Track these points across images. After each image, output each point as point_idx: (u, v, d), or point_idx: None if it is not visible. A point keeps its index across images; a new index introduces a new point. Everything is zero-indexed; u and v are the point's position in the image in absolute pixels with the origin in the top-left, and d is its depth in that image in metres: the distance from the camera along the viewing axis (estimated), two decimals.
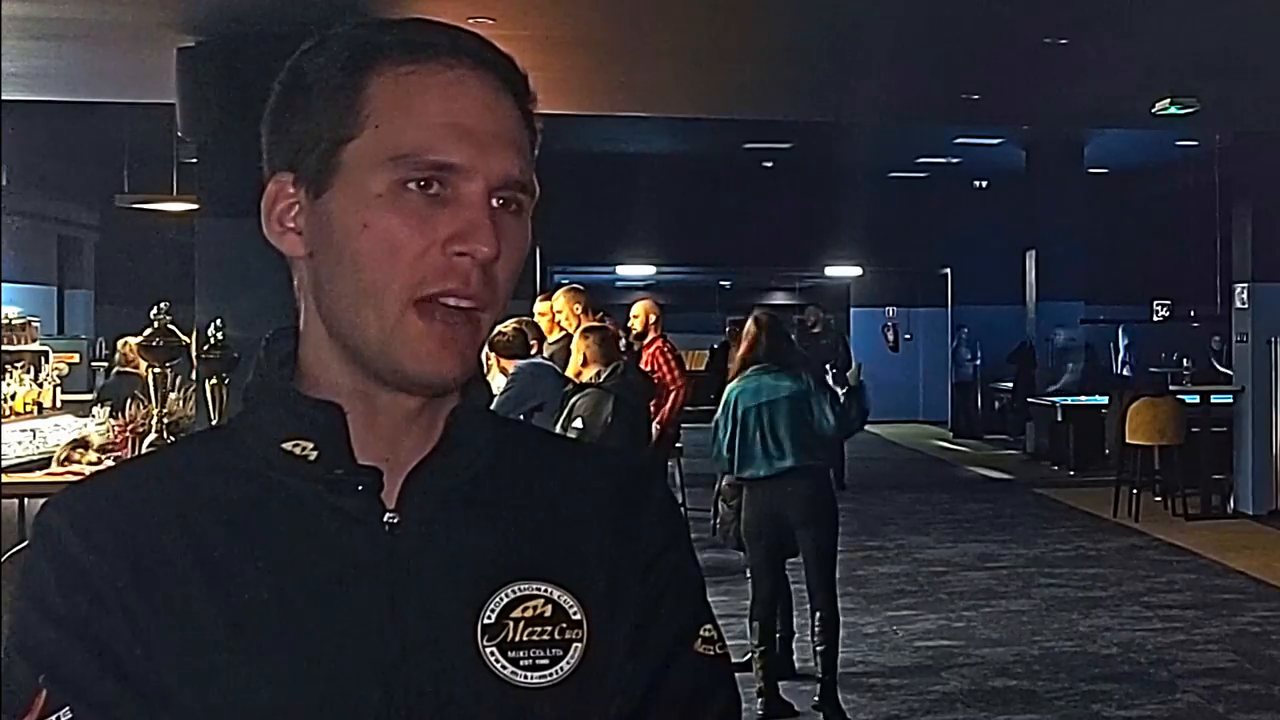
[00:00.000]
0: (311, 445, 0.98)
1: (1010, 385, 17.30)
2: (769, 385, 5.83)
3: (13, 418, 7.08)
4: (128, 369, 8.23)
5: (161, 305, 5.67)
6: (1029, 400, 15.84)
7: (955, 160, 16.69)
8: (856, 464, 13.54)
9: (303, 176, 0.98)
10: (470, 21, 6.66)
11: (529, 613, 0.98)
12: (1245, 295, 12.06)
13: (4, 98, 5.75)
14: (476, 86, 0.97)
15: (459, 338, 0.96)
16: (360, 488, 0.98)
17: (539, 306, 8.00)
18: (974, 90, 9.44)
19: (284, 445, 0.98)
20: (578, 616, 0.99)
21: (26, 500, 5.67)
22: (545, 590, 0.99)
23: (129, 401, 6.23)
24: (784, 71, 8.95)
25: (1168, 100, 9.13)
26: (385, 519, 0.98)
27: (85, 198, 14.70)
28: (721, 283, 27.27)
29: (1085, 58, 8.20)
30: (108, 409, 6.87)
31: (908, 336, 21.75)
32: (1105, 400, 12.70)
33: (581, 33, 7.63)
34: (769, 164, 16.84)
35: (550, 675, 0.97)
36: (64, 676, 0.92)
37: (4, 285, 10.94)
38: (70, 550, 0.95)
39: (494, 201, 0.97)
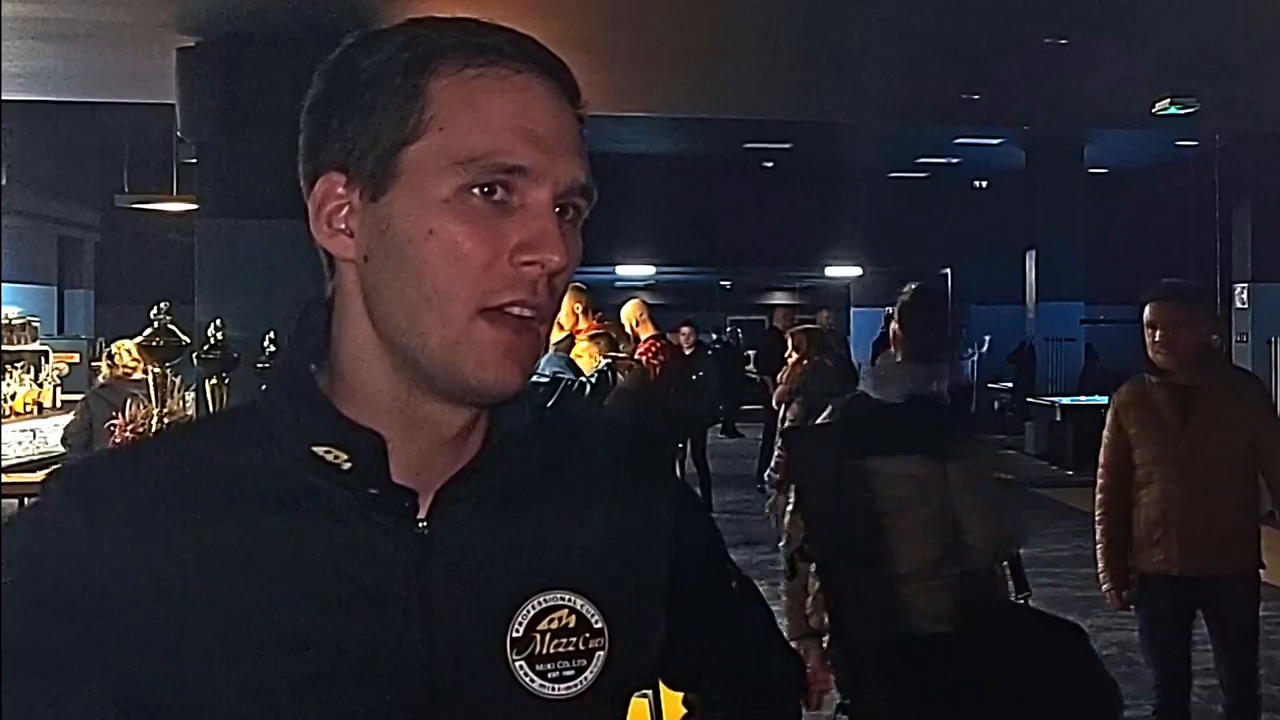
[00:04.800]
0: (345, 456, 0.95)
1: (1010, 385, 17.30)
2: None
3: (13, 418, 7.09)
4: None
5: (161, 305, 5.66)
6: (1028, 400, 15.84)
7: (955, 160, 16.70)
8: None
9: (357, 178, 0.94)
10: None
11: (554, 624, 0.98)
12: (1245, 295, 12.08)
13: (4, 98, 5.76)
14: (543, 92, 0.95)
15: (523, 347, 0.94)
16: (393, 506, 0.96)
17: None
18: (974, 90, 9.45)
19: (316, 449, 0.95)
20: (599, 625, 0.99)
21: (27, 500, 5.67)
22: (568, 600, 0.99)
23: (129, 401, 6.23)
24: (784, 71, 8.95)
25: (1168, 100, 9.15)
26: (416, 532, 0.96)
27: (85, 198, 14.71)
28: (721, 283, 27.28)
29: (1085, 58, 8.21)
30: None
31: None
32: (1105, 400, 12.69)
33: (581, 33, 7.63)
34: (769, 164, 16.84)
35: (575, 686, 0.97)
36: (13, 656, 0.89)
37: (4, 285, 10.95)
38: (65, 530, 0.92)
39: (555, 209, 0.94)
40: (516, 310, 0.93)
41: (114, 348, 7.29)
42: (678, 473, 9.39)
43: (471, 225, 0.92)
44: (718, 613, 1.18)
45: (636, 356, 8.30)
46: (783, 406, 6.68)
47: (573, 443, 1.09)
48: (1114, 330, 18.48)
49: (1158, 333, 4.17)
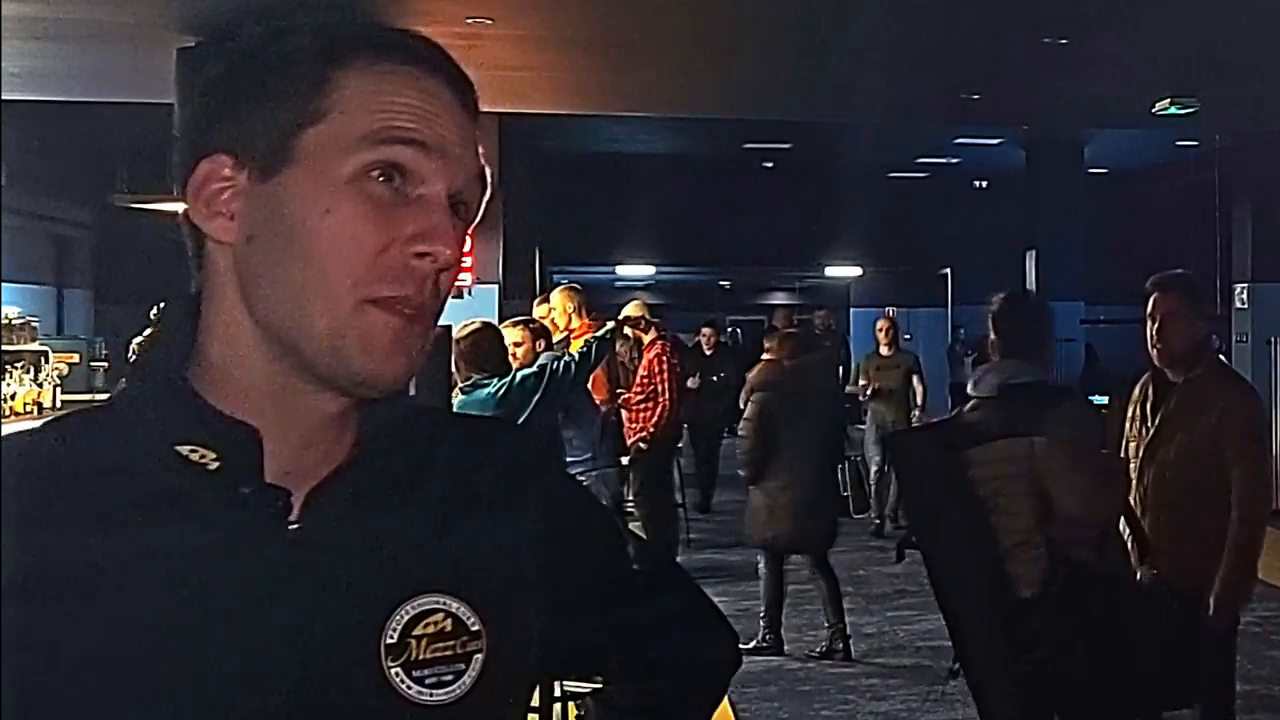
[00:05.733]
0: (214, 455, 0.92)
1: None
2: None
3: (13, 418, 7.08)
4: None
5: (161, 305, 5.66)
6: None
7: (955, 160, 16.69)
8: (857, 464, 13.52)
9: (247, 159, 0.93)
10: (469, 22, 6.65)
11: (430, 629, 0.95)
12: (1245, 295, 12.07)
13: (4, 98, 5.75)
14: (449, 99, 0.96)
15: (411, 337, 0.93)
16: (264, 506, 0.93)
17: (539, 309, 7.96)
18: (974, 90, 9.43)
19: (180, 449, 0.92)
20: (476, 628, 0.97)
21: None
22: (444, 603, 0.96)
23: None
24: (784, 71, 8.94)
25: (1168, 100, 9.14)
26: (288, 535, 0.93)
27: (84, 198, 14.68)
28: (721, 283, 27.27)
29: (1085, 58, 8.19)
30: None
31: (908, 337, 21.72)
32: (1105, 400, 12.66)
33: (581, 33, 7.62)
34: (769, 164, 16.83)
35: (454, 690, 0.95)
36: None
37: (3, 285, 10.93)
38: None
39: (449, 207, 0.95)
40: (400, 306, 0.91)
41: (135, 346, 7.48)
42: (676, 473, 9.41)
43: (368, 208, 0.91)
44: (614, 599, 1.17)
45: (648, 359, 8.28)
46: (746, 404, 6.76)
47: (448, 440, 1.07)
48: (1114, 330, 18.46)
49: (1154, 325, 4.09)
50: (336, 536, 0.94)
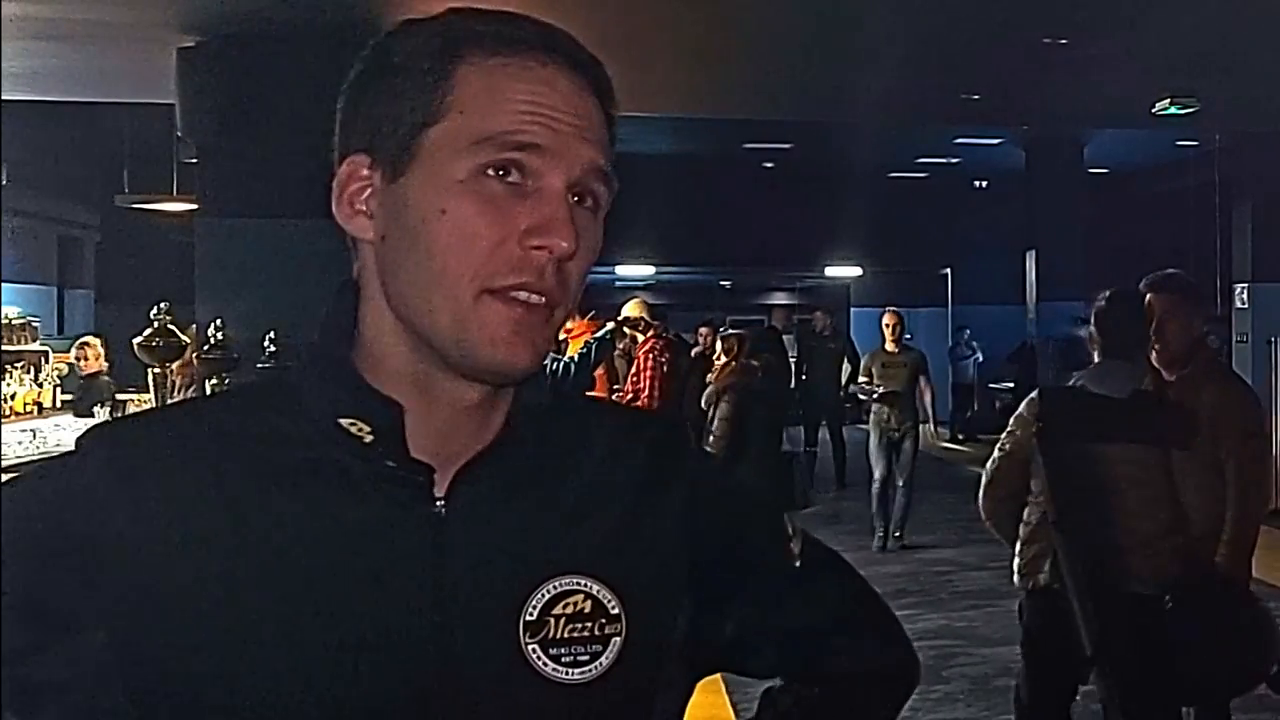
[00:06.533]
0: (369, 429, 0.96)
1: (1011, 385, 17.29)
2: None
3: (13, 418, 7.08)
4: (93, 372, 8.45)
5: (161, 305, 5.66)
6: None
7: (955, 160, 16.71)
8: (857, 464, 13.55)
9: (380, 159, 0.97)
10: None
11: (570, 609, 0.98)
12: (1245, 295, 12.08)
13: (4, 98, 5.76)
14: (566, 84, 0.97)
15: (533, 326, 0.95)
16: (409, 481, 0.97)
17: None
18: (974, 90, 9.44)
19: (341, 421, 0.96)
20: (615, 611, 0.99)
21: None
22: (585, 585, 0.99)
23: (128, 403, 6.23)
24: (784, 71, 8.95)
25: (1168, 100, 9.15)
26: (433, 511, 0.97)
27: (86, 198, 14.69)
28: (721, 283, 27.27)
29: (1085, 58, 8.20)
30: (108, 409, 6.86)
31: (909, 336, 21.73)
32: None
33: (582, 33, 7.60)
34: (769, 164, 16.85)
35: (590, 671, 0.97)
36: None
37: (4, 285, 10.94)
38: (96, 484, 0.93)
39: (571, 198, 0.96)
40: (523, 295, 0.93)
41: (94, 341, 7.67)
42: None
43: (483, 206, 0.93)
44: (769, 595, 1.14)
45: (638, 357, 8.28)
46: (711, 406, 6.78)
47: (593, 425, 1.09)
48: None
49: (1150, 326, 4.01)
50: (479, 515, 0.97)
